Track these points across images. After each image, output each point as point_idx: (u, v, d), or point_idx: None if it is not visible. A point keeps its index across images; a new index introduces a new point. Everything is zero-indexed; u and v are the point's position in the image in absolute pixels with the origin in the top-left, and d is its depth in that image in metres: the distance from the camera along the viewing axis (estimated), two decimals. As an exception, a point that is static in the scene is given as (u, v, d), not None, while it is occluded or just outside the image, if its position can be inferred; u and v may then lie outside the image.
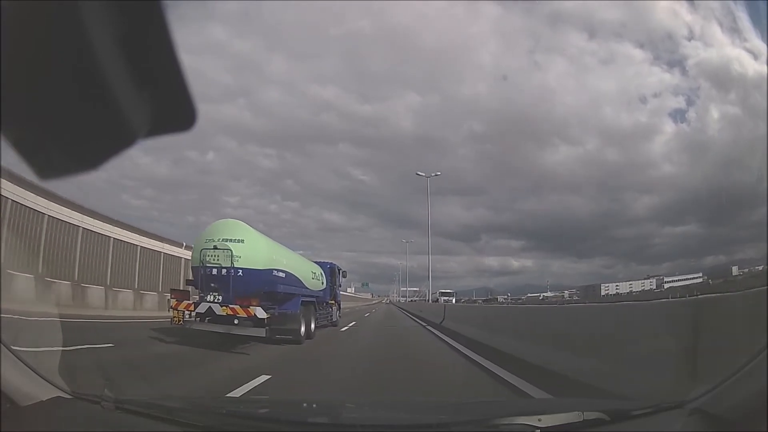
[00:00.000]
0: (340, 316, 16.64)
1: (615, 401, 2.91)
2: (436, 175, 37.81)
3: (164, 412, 1.82)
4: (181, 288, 9.84)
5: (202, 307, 8.25)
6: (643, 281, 71.36)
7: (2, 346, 1.63)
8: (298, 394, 4.88)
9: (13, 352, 1.68)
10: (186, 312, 8.39)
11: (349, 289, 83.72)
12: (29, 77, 0.66)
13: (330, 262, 16.04)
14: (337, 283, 16.48)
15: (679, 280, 58.72)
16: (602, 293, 68.81)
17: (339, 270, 17.15)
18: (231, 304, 8.03)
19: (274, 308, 8.66)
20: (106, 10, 0.64)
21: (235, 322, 7.97)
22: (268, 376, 5.34)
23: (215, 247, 8.41)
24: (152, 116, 0.74)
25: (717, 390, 1.62)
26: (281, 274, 9.36)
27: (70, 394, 1.86)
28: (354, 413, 2.43)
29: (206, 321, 8.39)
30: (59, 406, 1.78)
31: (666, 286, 58.92)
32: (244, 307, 7.95)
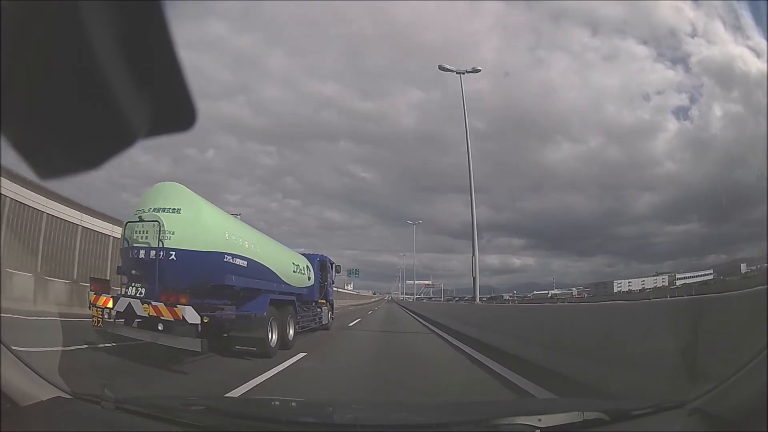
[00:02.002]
0: (332, 318, 14.21)
1: (615, 401, 2.91)
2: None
3: (164, 412, 1.82)
4: (106, 277, 7.28)
5: (122, 304, 5.90)
6: (654, 278, 70.61)
7: (2, 346, 1.63)
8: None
9: (13, 352, 1.69)
10: (106, 310, 6.03)
11: (347, 287, 78.58)
12: (29, 77, 0.66)
13: (320, 254, 13.69)
14: (329, 280, 14.20)
15: (690, 277, 58.10)
16: (614, 290, 67.87)
17: (331, 264, 14.80)
18: (155, 301, 5.71)
19: (225, 308, 6.46)
20: (105, 10, 0.64)
21: (159, 327, 5.67)
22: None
23: (141, 219, 6.06)
24: (152, 116, 0.74)
25: (717, 390, 1.62)
26: (239, 262, 6.89)
27: (70, 394, 1.87)
28: (354, 413, 2.43)
29: (135, 323, 6.00)
30: (59, 406, 1.78)
31: (678, 283, 58.25)
32: (170, 306, 5.60)
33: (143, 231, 6.06)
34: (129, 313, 5.92)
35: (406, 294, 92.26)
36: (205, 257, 6.17)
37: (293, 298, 9.26)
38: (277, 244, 9.97)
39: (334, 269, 15.29)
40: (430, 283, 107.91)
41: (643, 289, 64.45)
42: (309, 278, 11.40)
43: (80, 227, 18.05)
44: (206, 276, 6.18)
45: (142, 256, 6.03)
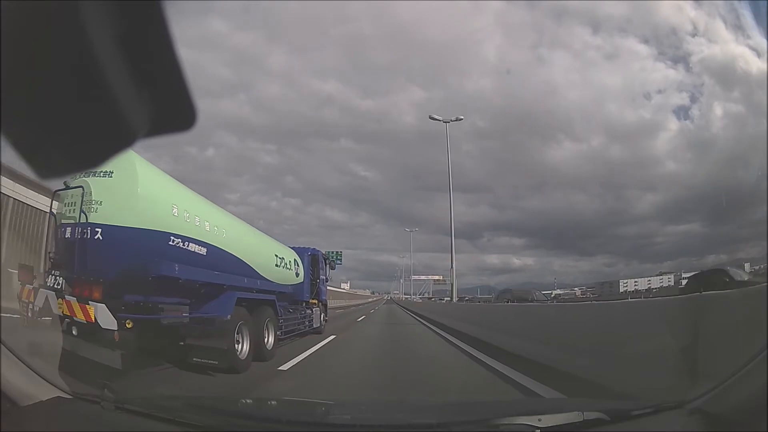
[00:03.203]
0: (325, 320, 12.36)
1: (615, 401, 2.91)
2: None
3: (164, 412, 1.82)
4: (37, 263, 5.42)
5: (41, 297, 4.50)
6: (660, 277, 69.21)
7: (2, 346, 1.64)
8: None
9: (13, 352, 1.69)
10: (30, 304, 4.56)
11: (344, 285, 72.80)
12: (29, 77, 0.66)
13: (312, 248, 12.02)
14: (322, 276, 12.31)
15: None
16: (621, 290, 66.13)
17: (325, 259, 13.05)
18: (69, 295, 4.37)
19: (167, 309, 5.11)
20: (106, 9, 0.65)
21: (73, 331, 4.22)
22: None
23: (67, 186, 4.70)
24: (152, 116, 0.74)
25: (717, 390, 1.62)
26: (195, 249, 5.29)
27: (70, 394, 1.87)
28: (354, 413, 2.43)
29: (65, 324, 4.35)
30: (59, 406, 1.78)
31: (684, 282, 56.80)
32: (82, 302, 4.23)
33: (71, 202, 4.64)
34: (48, 310, 4.51)
35: (413, 294, 76.64)
36: (142, 238, 4.60)
37: (273, 297, 7.65)
38: (256, 232, 8.28)
39: (327, 265, 13.48)
40: (440, 278, 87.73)
41: (650, 288, 62.74)
42: (297, 274, 9.85)
43: (12, 200, 13.60)
44: (142, 263, 4.59)
45: (68, 235, 4.60)
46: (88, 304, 4.23)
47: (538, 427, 1.56)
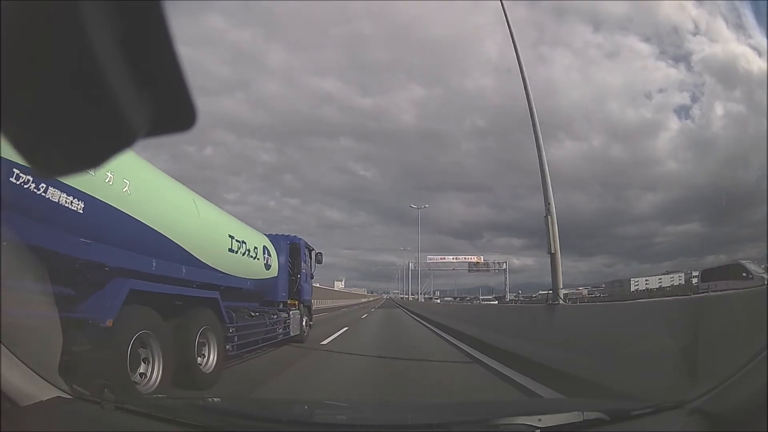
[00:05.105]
0: (309, 326, 10.17)
1: (615, 401, 2.92)
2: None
3: (164, 412, 1.82)
4: None
5: None
6: (671, 276, 67.90)
7: (2, 346, 1.63)
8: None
9: (13, 352, 1.69)
10: None
11: (338, 284, 71.08)
12: (29, 77, 0.66)
13: (293, 235, 9.65)
14: (304, 271, 9.90)
15: (707, 275, 55.53)
16: (632, 289, 63.13)
17: (310, 250, 10.57)
18: None
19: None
20: (106, 9, 0.65)
21: None
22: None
23: None
24: (152, 116, 0.74)
25: (717, 390, 1.62)
26: (60, 198, 3.20)
27: (70, 394, 1.87)
28: (354, 413, 2.44)
29: None
30: (59, 406, 1.78)
31: (695, 281, 55.64)
32: None
33: None
34: None
35: (411, 295, 55.56)
36: None
37: (215, 294, 5.31)
38: (202, 201, 5.58)
39: (313, 258, 10.86)
40: (480, 260, 64.60)
41: (661, 287, 61.36)
42: (268, 266, 7.70)
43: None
44: None
45: None
46: None
47: (538, 427, 1.56)
